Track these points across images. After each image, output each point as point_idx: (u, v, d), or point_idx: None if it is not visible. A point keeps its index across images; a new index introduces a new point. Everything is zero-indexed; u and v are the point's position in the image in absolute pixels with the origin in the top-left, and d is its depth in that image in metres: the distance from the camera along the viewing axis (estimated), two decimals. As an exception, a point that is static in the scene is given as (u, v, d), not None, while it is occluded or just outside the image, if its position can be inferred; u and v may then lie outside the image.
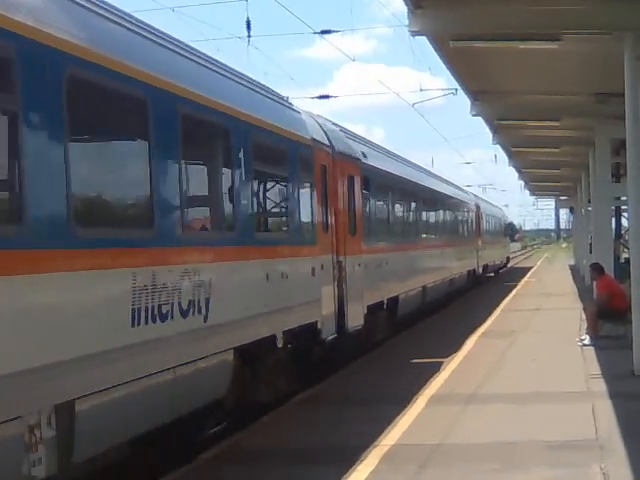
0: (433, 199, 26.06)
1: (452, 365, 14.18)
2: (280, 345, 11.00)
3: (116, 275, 7.20)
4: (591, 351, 14.99)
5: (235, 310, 9.51)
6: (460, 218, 32.70)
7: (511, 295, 29.80)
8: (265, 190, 11.58)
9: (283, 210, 12.22)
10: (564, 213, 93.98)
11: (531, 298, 27.76)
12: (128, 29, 7.98)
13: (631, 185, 13.04)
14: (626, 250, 26.81)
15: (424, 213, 24.46)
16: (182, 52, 9.24)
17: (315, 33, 21.90)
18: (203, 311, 8.62)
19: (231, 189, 9.80)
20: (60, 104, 6.51)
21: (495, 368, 13.68)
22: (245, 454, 8.99)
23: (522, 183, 59.25)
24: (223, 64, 10.53)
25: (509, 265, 57.56)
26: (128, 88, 7.53)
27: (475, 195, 43.83)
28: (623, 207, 29.67)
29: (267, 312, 10.52)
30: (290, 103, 13.43)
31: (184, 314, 8.23)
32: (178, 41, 9.27)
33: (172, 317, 7.98)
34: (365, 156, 16.74)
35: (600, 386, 11.75)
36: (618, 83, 13.63)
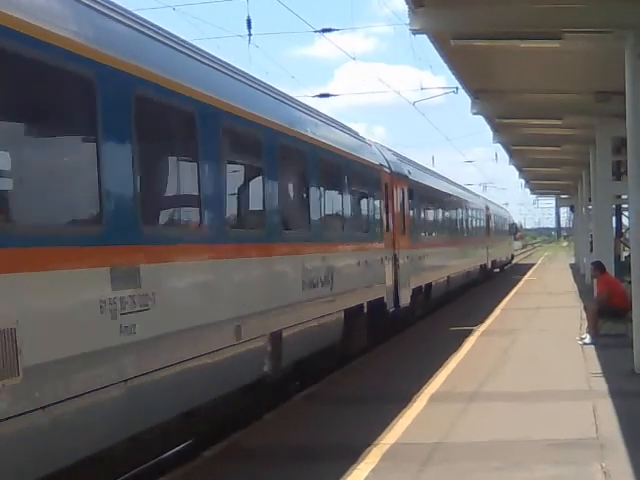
0: (455, 204, 30.91)
1: (452, 364, 14.20)
2: (365, 311, 15.50)
3: (296, 260, 11.77)
4: (592, 350, 15.00)
5: (344, 285, 13.89)
6: (474, 219, 37.17)
7: (512, 293, 29.83)
8: (358, 202, 15.90)
9: (366, 216, 16.45)
10: (565, 212, 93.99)
11: (532, 297, 27.79)
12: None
13: (632, 183, 13.04)
14: (627, 248, 26.84)
15: (449, 216, 29.20)
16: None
17: (316, 32, 21.87)
18: (330, 284, 13.12)
19: (344, 205, 14.58)
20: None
21: (496, 366, 13.69)
22: (247, 452, 9.00)
23: (523, 181, 59.33)
24: (312, 108, 14.30)
25: (513, 262, 61.31)
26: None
27: (485, 198, 48.30)
28: (624, 205, 29.70)
29: (359, 287, 15.06)
30: (363, 137, 18.07)
31: (323, 285, 12.78)
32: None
33: (317, 286, 12.54)
34: (410, 173, 21.26)
35: (601, 384, 11.76)
36: (619, 81, 13.63)
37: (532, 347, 15.92)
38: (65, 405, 6.07)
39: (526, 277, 40.59)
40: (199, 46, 9.63)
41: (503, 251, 51.49)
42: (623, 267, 21.99)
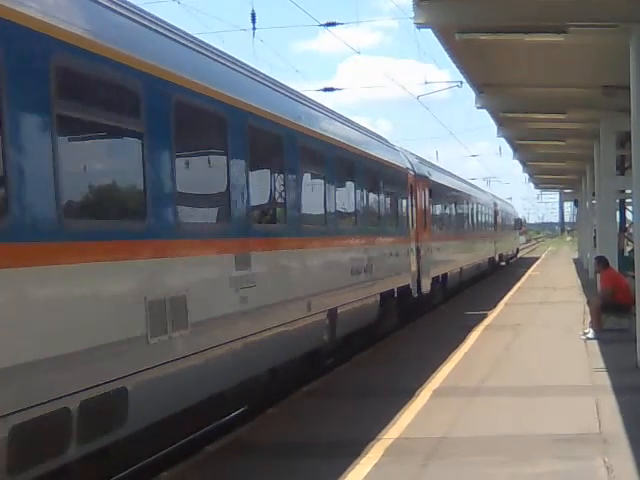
0: (467, 201, 33.38)
1: (455, 358, 14.20)
2: (395, 295, 18.01)
3: (346, 251, 14.33)
4: (595, 345, 14.98)
5: (380, 272, 16.28)
6: (484, 215, 39.59)
7: (515, 287, 29.81)
8: (390, 201, 18.27)
9: (396, 213, 18.84)
10: (568, 206, 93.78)
11: (535, 291, 27.77)
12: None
13: (636, 178, 13.00)
14: (630, 243, 26.80)
15: (462, 212, 31.47)
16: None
17: (320, 25, 21.84)
18: (370, 271, 15.51)
19: (380, 204, 17.09)
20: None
21: (499, 361, 13.69)
22: (249, 447, 8.99)
23: (526, 176, 59.24)
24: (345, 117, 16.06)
25: (518, 255, 64.64)
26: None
27: (492, 195, 50.75)
28: (628, 200, 29.66)
29: (391, 275, 17.61)
30: (392, 144, 20.68)
31: (365, 271, 15.19)
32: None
33: (360, 273, 14.95)
34: (429, 174, 23.59)
35: (604, 379, 11.75)
36: (624, 76, 13.58)
37: (535, 342, 15.90)
38: (211, 351, 8.53)
39: (529, 272, 40.58)
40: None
41: (509, 245, 54.52)
42: (627, 262, 21.98)
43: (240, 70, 10.47)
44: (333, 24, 21.90)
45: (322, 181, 13.06)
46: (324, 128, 13.43)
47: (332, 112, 15.01)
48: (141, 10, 8.16)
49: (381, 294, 16.49)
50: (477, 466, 7.85)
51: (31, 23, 6.08)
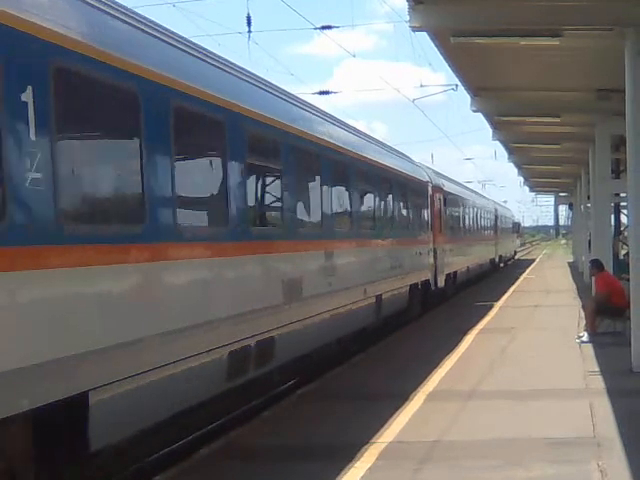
0: (473, 207, 36.94)
1: (449, 362, 14.19)
2: (419, 287, 21.62)
3: (387, 249, 17.98)
4: (589, 348, 14.99)
5: (409, 268, 20.11)
6: (486, 220, 43.11)
7: (510, 291, 29.83)
8: (415, 209, 22.02)
9: (419, 219, 22.59)
10: (563, 210, 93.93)
11: (530, 295, 27.78)
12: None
13: (631, 182, 13.03)
14: (625, 247, 26.84)
15: (469, 217, 35.00)
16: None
17: (316, 29, 21.91)
18: (402, 267, 19.20)
19: (408, 211, 20.92)
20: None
21: (494, 364, 13.69)
22: (244, 450, 8.98)
23: (522, 179, 59.32)
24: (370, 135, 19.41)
25: (515, 257, 68.08)
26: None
27: (493, 201, 54.13)
28: (622, 204, 29.70)
29: (416, 270, 21.24)
30: (415, 161, 24.42)
31: (399, 267, 18.81)
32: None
33: (396, 268, 18.47)
34: (443, 185, 27.30)
35: (598, 383, 11.75)
36: (619, 79, 13.61)
37: (530, 345, 15.90)
38: (315, 317, 12.41)
39: (524, 275, 40.63)
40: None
41: (508, 247, 58.97)
42: (621, 265, 22.01)
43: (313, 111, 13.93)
44: (329, 27, 21.96)
45: (372, 196, 17.03)
46: (375, 156, 17.60)
47: (377, 141, 19.63)
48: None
49: (410, 286, 20.34)
50: (471, 470, 7.85)
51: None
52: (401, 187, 19.75)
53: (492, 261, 44.35)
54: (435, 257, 23.71)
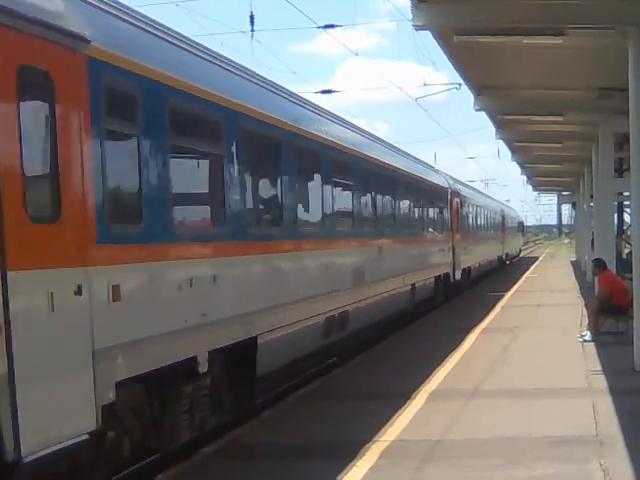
0: (484, 209, 40.66)
1: (452, 361, 14.19)
2: (442, 279, 25.20)
3: (418, 246, 21.72)
4: (592, 347, 14.97)
5: (433, 262, 23.70)
6: (495, 220, 46.81)
7: (513, 290, 29.82)
8: (437, 212, 25.75)
9: (441, 220, 26.20)
10: (566, 209, 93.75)
11: (533, 294, 27.75)
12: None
13: (634, 180, 13.00)
14: (628, 246, 26.80)
15: (480, 218, 38.60)
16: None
17: (318, 27, 21.84)
18: (430, 260, 23.03)
19: (434, 214, 24.91)
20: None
21: (496, 363, 13.68)
22: (245, 449, 8.98)
23: (525, 178, 59.27)
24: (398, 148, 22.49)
25: (520, 255, 71.64)
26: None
27: (500, 202, 58.97)
28: (626, 202, 29.65)
29: (439, 265, 24.82)
30: (438, 169, 28.78)
31: (428, 260, 22.59)
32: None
33: (424, 262, 22.15)
34: (460, 190, 31.46)
35: (601, 382, 11.74)
36: (622, 78, 13.59)
37: (532, 344, 15.89)
38: (377, 295, 16.17)
39: (527, 274, 40.61)
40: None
41: (514, 245, 63.02)
42: (624, 264, 21.99)
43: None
44: (331, 26, 21.91)
45: (407, 202, 20.59)
46: (409, 168, 21.46)
47: (410, 155, 23.52)
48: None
49: (435, 277, 23.94)
50: (473, 469, 7.84)
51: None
52: (429, 194, 24.06)
53: (499, 258, 47.76)
54: (453, 254, 27.28)
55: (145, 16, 8.51)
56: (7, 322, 5.75)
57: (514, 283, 33.14)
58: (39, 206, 6.29)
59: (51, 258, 6.26)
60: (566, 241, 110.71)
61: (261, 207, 11.11)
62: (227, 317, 9.16)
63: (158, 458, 9.03)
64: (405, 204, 20.39)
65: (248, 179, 10.15)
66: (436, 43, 15.07)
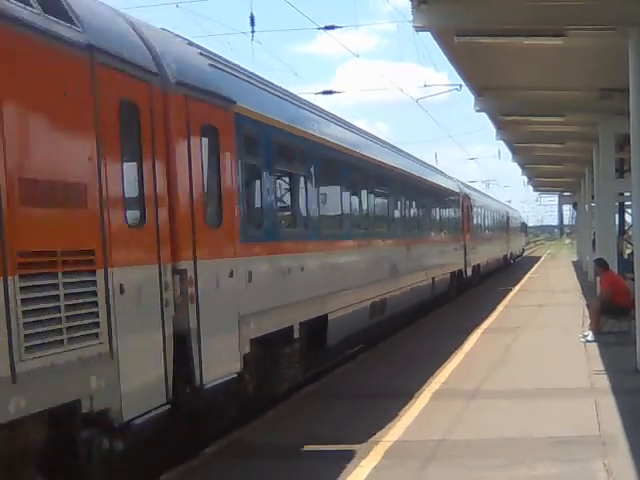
0: (491, 211, 44.27)
1: (454, 362, 14.21)
2: (456, 275, 28.27)
3: (441, 245, 26.07)
4: (594, 347, 14.98)
5: (450, 260, 26.98)
6: (500, 221, 50.48)
7: (515, 291, 29.84)
8: (453, 214, 29.14)
9: (455, 222, 29.52)
10: (567, 209, 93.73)
11: (534, 294, 27.78)
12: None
13: (635, 181, 13.01)
14: (629, 246, 26.80)
15: (488, 219, 42.13)
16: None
17: (319, 28, 21.84)
18: (446, 258, 26.61)
19: (450, 216, 28.56)
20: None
21: (498, 363, 13.69)
22: (249, 449, 9.00)
23: (525, 179, 59.25)
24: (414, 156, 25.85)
25: (523, 255, 74.70)
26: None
27: (505, 204, 63.07)
28: (627, 203, 29.65)
29: (454, 262, 27.92)
30: (451, 176, 32.39)
31: (445, 258, 26.09)
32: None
33: (444, 258, 25.92)
34: (470, 194, 34.83)
35: (603, 382, 11.75)
36: (622, 78, 13.60)
37: (534, 344, 15.91)
38: (403, 288, 18.93)
39: (529, 274, 40.64)
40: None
41: (517, 245, 66.63)
42: (626, 264, 21.97)
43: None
44: (332, 27, 21.89)
45: (430, 207, 24.27)
46: (433, 177, 25.81)
47: (431, 166, 28.26)
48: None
49: (450, 273, 27.02)
50: (475, 469, 7.86)
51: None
52: (445, 199, 27.72)
53: (505, 257, 51.14)
54: (465, 252, 30.40)
55: (258, 76, 11.83)
56: (196, 295, 8.28)
57: (517, 282, 34.70)
58: (211, 215, 8.99)
59: (217, 251, 8.96)
60: (567, 242, 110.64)
61: (327, 213, 13.98)
62: (311, 297, 12.25)
63: (161, 458, 9.05)
64: (427, 208, 23.82)
65: (322, 194, 13.32)
66: (437, 44, 15.09)
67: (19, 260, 5.77)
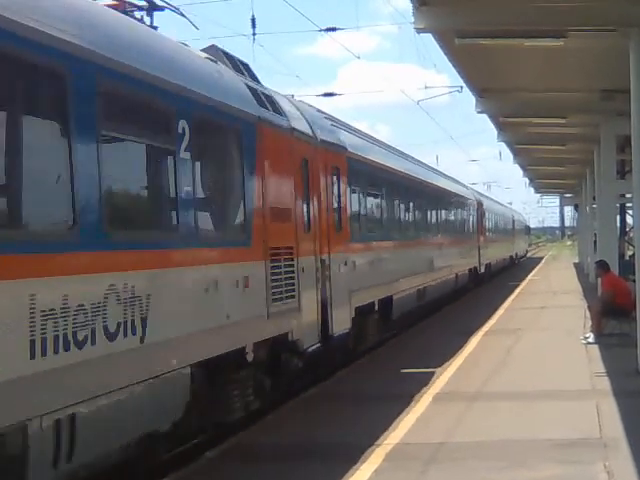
0: (499, 216, 49.80)
1: (456, 364, 14.19)
2: (472, 271, 33.06)
3: (458, 246, 29.88)
4: (595, 349, 14.96)
5: (467, 258, 32.21)
6: (507, 224, 55.42)
7: (516, 292, 29.82)
8: (469, 219, 34.05)
9: (471, 225, 34.19)
10: (569, 211, 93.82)
11: (536, 296, 27.75)
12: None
13: (636, 182, 12.99)
14: (631, 247, 26.79)
15: (496, 222, 47.07)
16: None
17: (320, 30, 21.83)
18: (465, 257, 31.76)
19: (468, 220, 33.86)
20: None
21: (500, 365, 13.67)
22: (250, 452, 8.99)
23: (527, 180, 59.28)
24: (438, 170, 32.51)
25: (527, 255, 78.44)
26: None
27: (511, 208, 68.13)
28: (628, 204, 29.65)
29: (470, 260, 33.01)
30: (465, 184, 38.41)
31: (464, 257, 31.34)
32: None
33: (463, 258, 31.06)
34: (482, 200, 39.66)
35: (604, 384, 11.74)
36: (624, 79, 13.59)
37: (536, 346, 15.89)
38: (437, 280, 23.87)
39: (530, 276, 40.64)
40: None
41: (522, 246, 71.19)
42: (627, 266, 21.96)
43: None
44: (333, 29, 21.88)
45: (453, 212, 29.46)
46: (455, 188, 30.97)
47: (452, 177, 33.28)
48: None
49: (468, 269, 31.48)
50: (477, 471, 7.84)
51: None
52: (464, 206, 32.51)
53: (511, 257, 56.08)
54: (479, 253, 34.94)
55: (356, 128, 18.16)
56: (329, 276, 12.76)
57: (523, 279, 37.99)
58: (337, 225, 13.69)
59: (339, 248, 13.56)
60: (569, 243, 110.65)
61: (392, 220, 18.98)
62: (384, 282, 16.86)
63: (163, 462, 9.05)
64: (453, 215, 29.79)
65: (389, 206, 18.76)
66: (438, 46, 15.09)
67: (270, 252, 10.29)
